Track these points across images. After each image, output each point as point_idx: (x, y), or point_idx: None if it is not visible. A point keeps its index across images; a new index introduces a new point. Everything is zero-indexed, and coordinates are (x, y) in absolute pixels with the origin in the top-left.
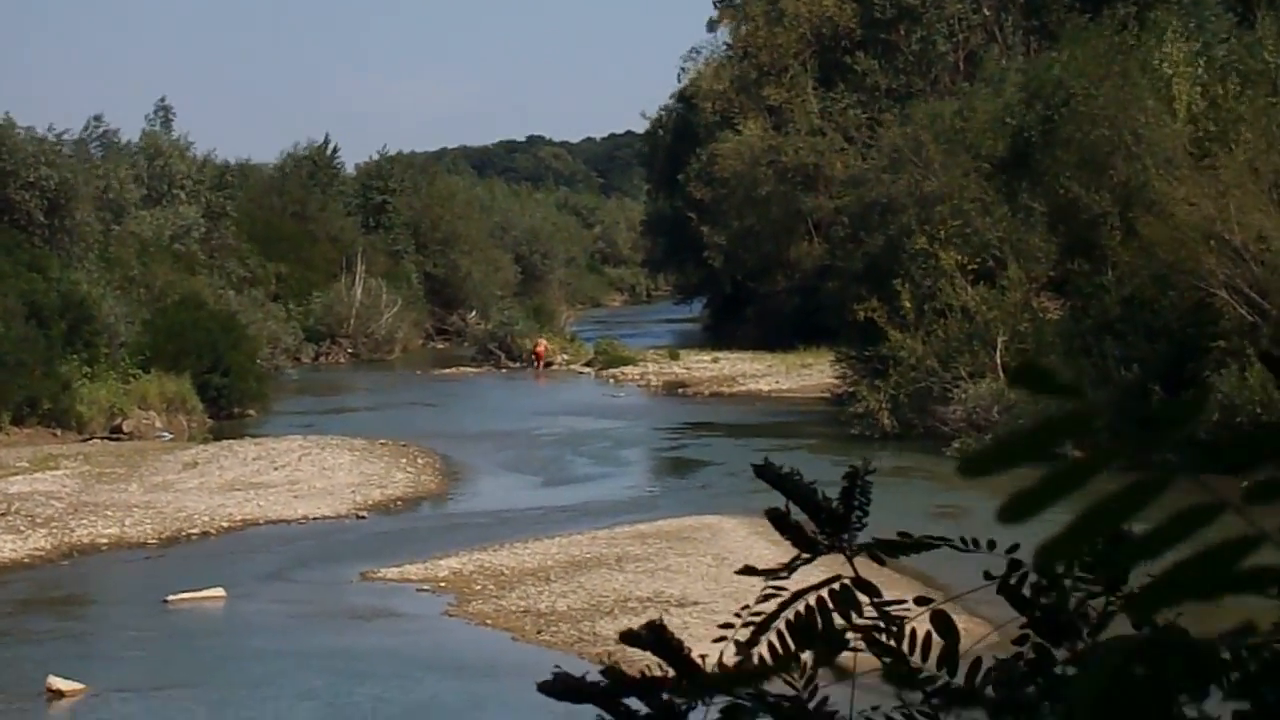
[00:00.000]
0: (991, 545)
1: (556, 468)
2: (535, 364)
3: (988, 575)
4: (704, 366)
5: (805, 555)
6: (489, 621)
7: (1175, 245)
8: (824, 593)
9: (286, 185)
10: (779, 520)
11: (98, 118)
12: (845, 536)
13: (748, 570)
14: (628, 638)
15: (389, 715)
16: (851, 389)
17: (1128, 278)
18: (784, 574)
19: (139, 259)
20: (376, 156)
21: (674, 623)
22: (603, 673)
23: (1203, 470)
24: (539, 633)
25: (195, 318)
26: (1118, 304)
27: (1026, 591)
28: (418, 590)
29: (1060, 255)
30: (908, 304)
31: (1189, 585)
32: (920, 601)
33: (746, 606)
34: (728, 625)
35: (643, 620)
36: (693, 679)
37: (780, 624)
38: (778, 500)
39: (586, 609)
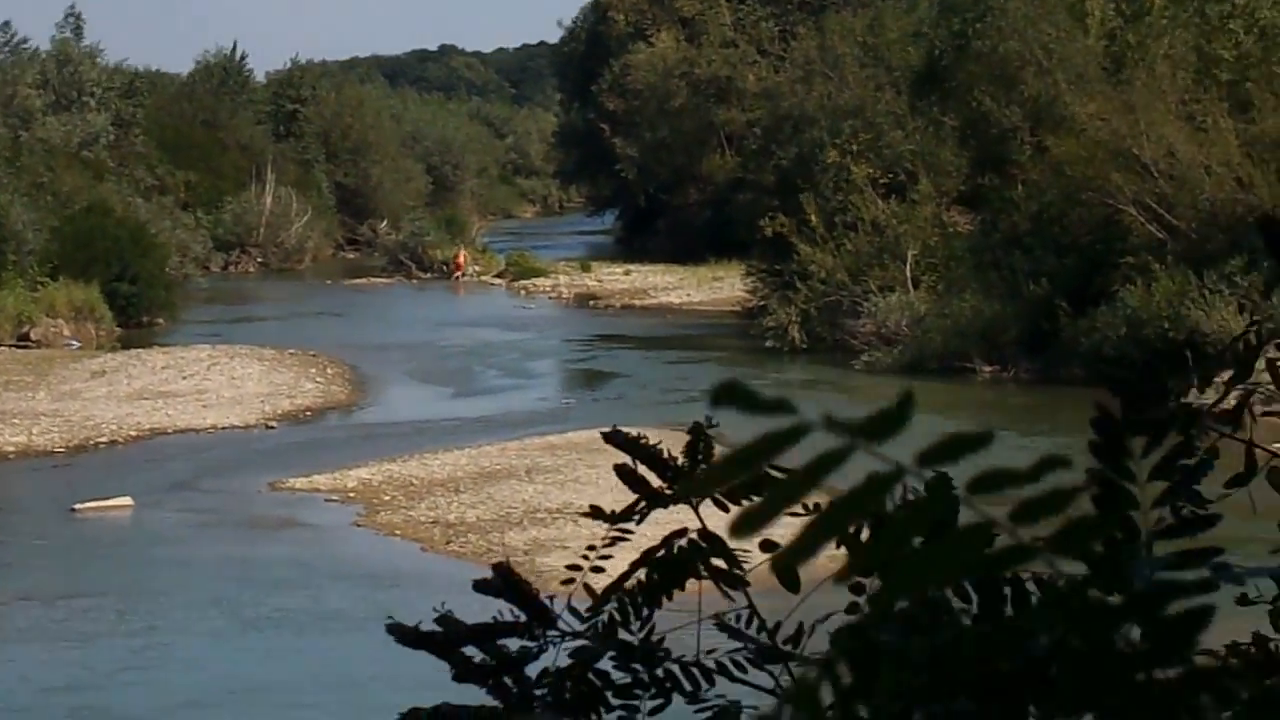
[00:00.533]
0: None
1: (467, 379)
2: (455, 275)
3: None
4: (616, 279)
5: (645, 504)
6: (398, 532)
7: (1085, 161)
8: (674, 546)
9: (196, 93)
10: (626, 476)
11: (6, 24)
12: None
13: (594, 513)
14: (480, 586)
15: (295, 624)
16: (762, 302)
17: (1037, 193)
18: (631, 519)
19: (46, 166)
20: (288, 65)
21: (583, 534)
22: (437, 620)
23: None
24: (448, 543)
25: (103, 225)
26: (1027, 219)
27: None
28: (326, 500)
29: (971, 170)
30: (815, 218)
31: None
32: (765, 547)
33: (593, 548)
34: (575, 567)
35: (551, 531)
36: (546, 625)
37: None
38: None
39: (496, 520)
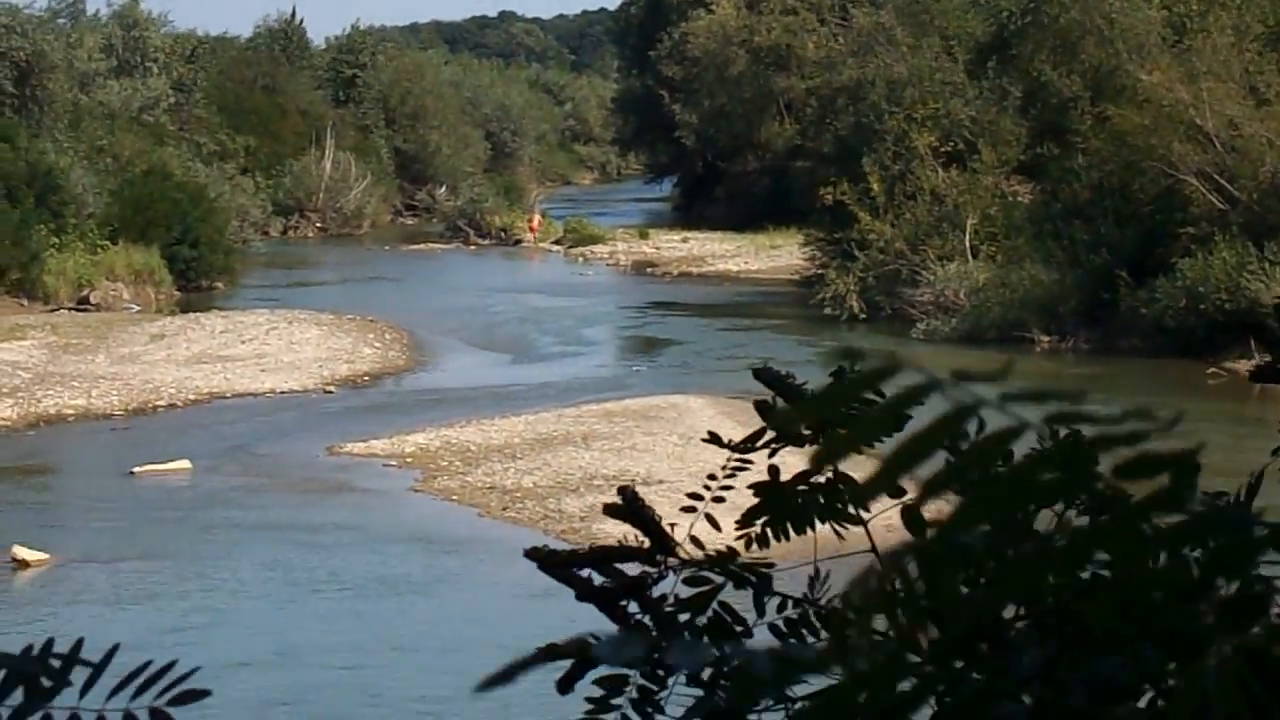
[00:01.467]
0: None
1: (524, 345)
2: (530, 237)
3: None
4: (673, 246)
5: (770, 433)
6: (455, 497)
7: (1146, 130)
8: (807, 485)
9: (256, 58)
10: (767, 412)
11: None
12: (829, 430)
13: (712, 439)
14: (609, 510)
15: (352, 587)
16: (820, 271)
17: (1098, 163)
18: (747, 447)
19: (107, 130)
20: (348, 30)
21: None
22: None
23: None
24: (504, 509)
25: (163, 189)
26: (1087, 189)
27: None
28: (384, 465)
29: (1031, 139)
30: (876, 186)
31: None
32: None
33: (714, 478)
34: (696, 496)
35: (608, 498)
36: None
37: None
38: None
39: (552, 486)
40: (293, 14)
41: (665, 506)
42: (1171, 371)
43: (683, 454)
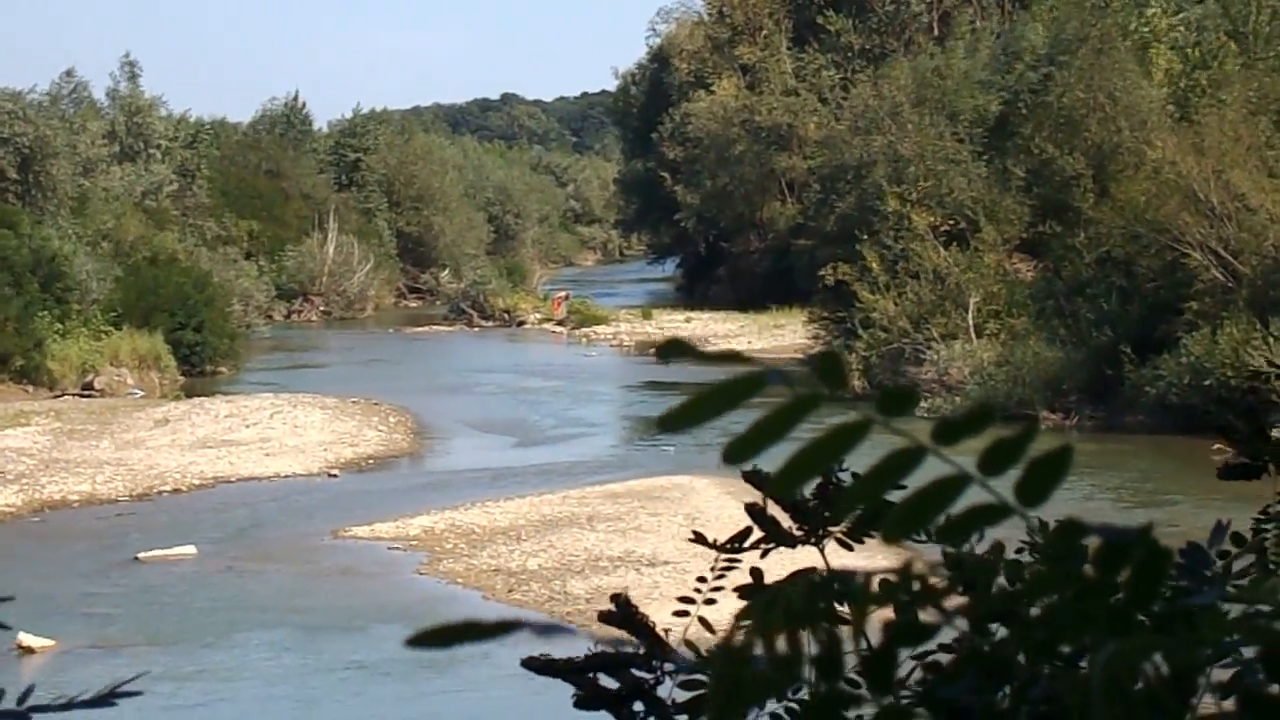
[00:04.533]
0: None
1: (528, 427)
2: (554, 321)
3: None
4: (677, 326)
5: (757, 531)
6: (460, 580)
7: (1151, 203)
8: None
9: (259, 143)
10: (757, 515)
11: (69, 73)
12: (819, 531)
13: (698, 540)
14: (604, 618)
15: (358, 671)
16: (824, 349)
17: (1101, 239)
18: (732, 549)
19: (111, 215)
20: (350, 114)
21: (645, 582)
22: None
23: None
24: (510, 591)
25: (167, 274)
26: (1091, 265)
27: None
28: (389, 548)
29: (1033, 217)
30: (875, 266)
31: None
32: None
33: (704, 579)
34: (688, 600)
35: (613, 580)
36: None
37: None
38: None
39: (558, 568)
40: (295, 98)
41: (671, 587)
42: (1176, 448)
43: (687, 534)
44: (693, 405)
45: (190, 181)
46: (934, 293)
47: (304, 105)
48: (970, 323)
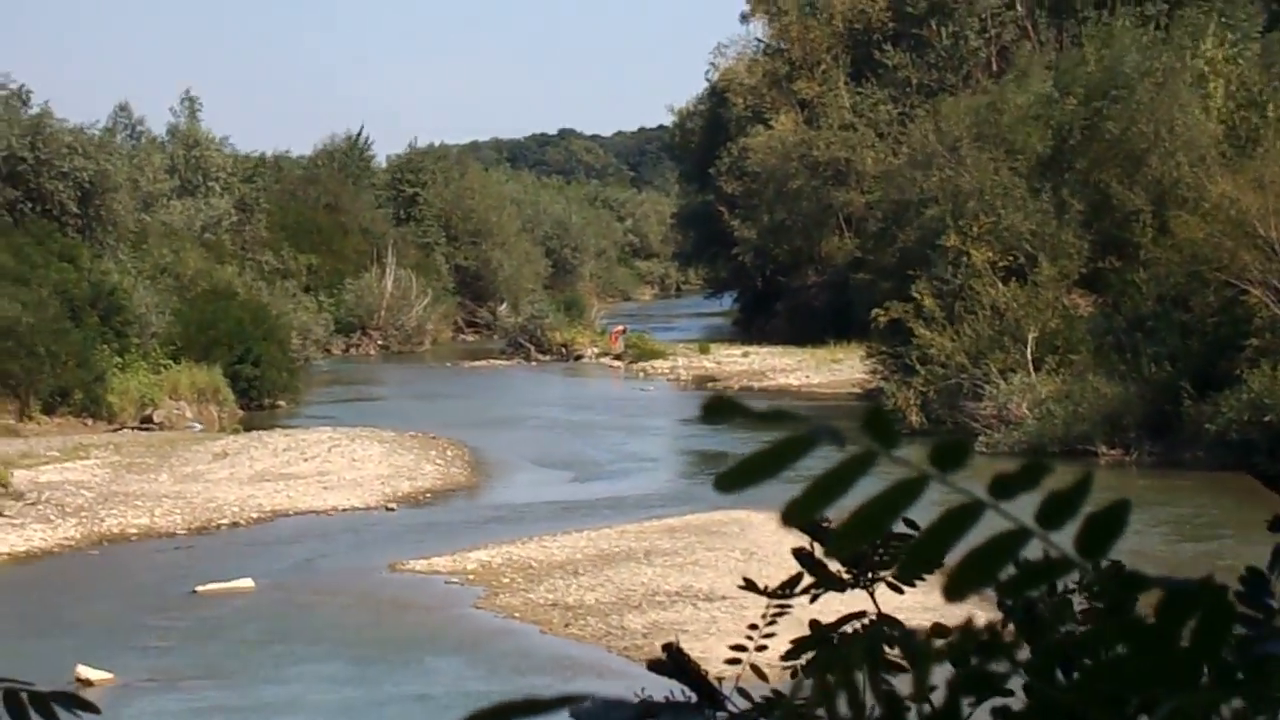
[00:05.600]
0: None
1: (585, 461)
2: (611, 355)
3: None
4: (734, 361)
5: (809, 578)
6: (517, 614)
7: (1210, 241)
8: (849, 629)
9: (318, 177)
10: (806, 560)
11: (123, 107)
12: (868, 575)
13: (748, 586)
14: (655, 667)
15: (415, 705)
16: (882, 384)
17: (1161, 275)
18: (782, 594)
19: (170, 249)
20: (408, 149)
21: (702, 617)
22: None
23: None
24: (567, 626)
25: (226, 308)
26: (1150, 301)
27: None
28: (446, 582)
29: (1092, 252)
30: (929, 303)
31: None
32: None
33: (755, 627)
34: (739, 648)
35: (671, 615)
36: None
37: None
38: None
39: (614, 602)
40: (359, 132)
41: (728, 622)
42: (1235, 485)
43: (745, 569)
44: (748, 466)
45: (250, 215)
46: (992, 328)
47: (368, 139)
48: (1029, 358)
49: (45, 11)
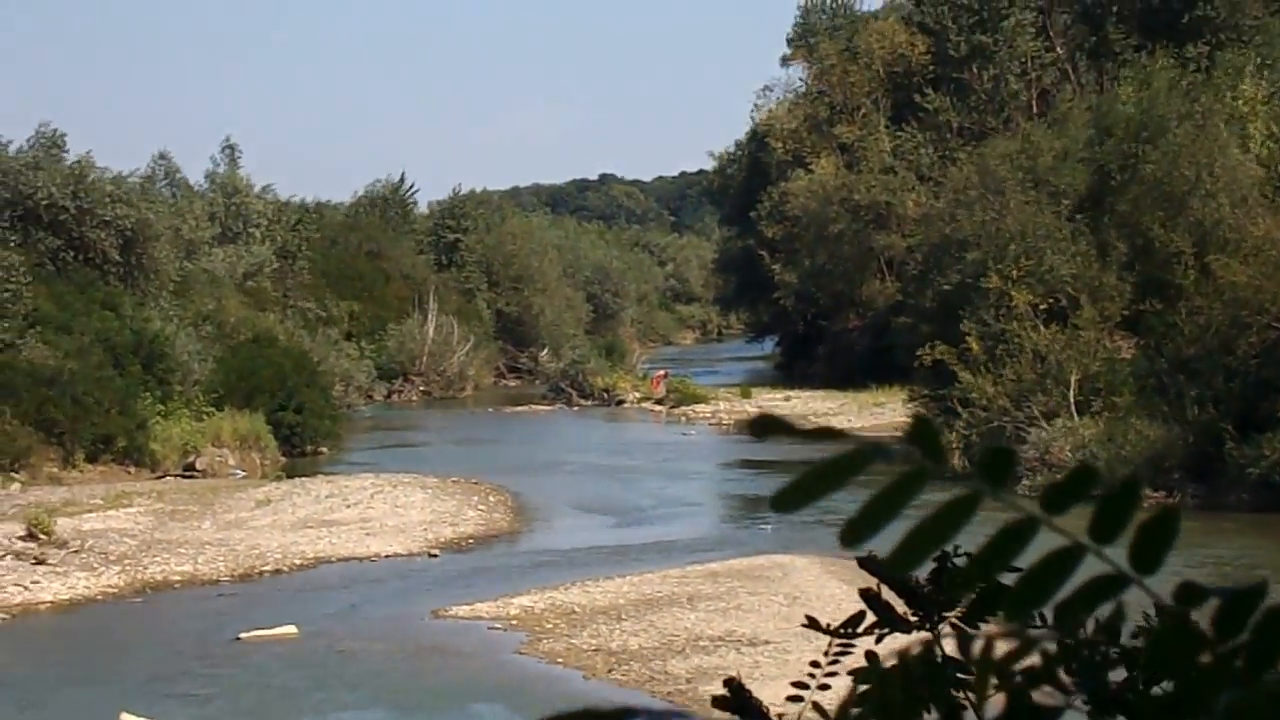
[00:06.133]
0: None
1: (628, 506)
2: (653, 400)
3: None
4: (776, 405)
5: (872, 616)
6: (560, 660)
7: (1252, 284)
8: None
9: (360, 224)
10: (872, 600)
11: (163, 155)
12: (934, 616)
13: (811, 624)
14: (718, 703)
15: None
16: (915, 415)
17: (1202, 317)
18: (845, 633)
19: (212, 297)
20: (449, 195)
21: (746, 662)
22: None
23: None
24: (610, 671)
25: (268, 355)
26: (1192, 343)
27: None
28: (489, 628)
29: (1133, 294)
30: (975, 346)
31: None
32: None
33: (817, 664)
34: (801, 685)
35: (714, 660)
36: None
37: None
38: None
39: (658, 647)
40: (401, 180)
41: (772, 667)
42: (1278, 526)
43: (789, 614)
44: (803, 484)
45: (291, 262)
46: (1034, 371)
47: (412, 186)
48: (1071, 401)
49: (86, 60)
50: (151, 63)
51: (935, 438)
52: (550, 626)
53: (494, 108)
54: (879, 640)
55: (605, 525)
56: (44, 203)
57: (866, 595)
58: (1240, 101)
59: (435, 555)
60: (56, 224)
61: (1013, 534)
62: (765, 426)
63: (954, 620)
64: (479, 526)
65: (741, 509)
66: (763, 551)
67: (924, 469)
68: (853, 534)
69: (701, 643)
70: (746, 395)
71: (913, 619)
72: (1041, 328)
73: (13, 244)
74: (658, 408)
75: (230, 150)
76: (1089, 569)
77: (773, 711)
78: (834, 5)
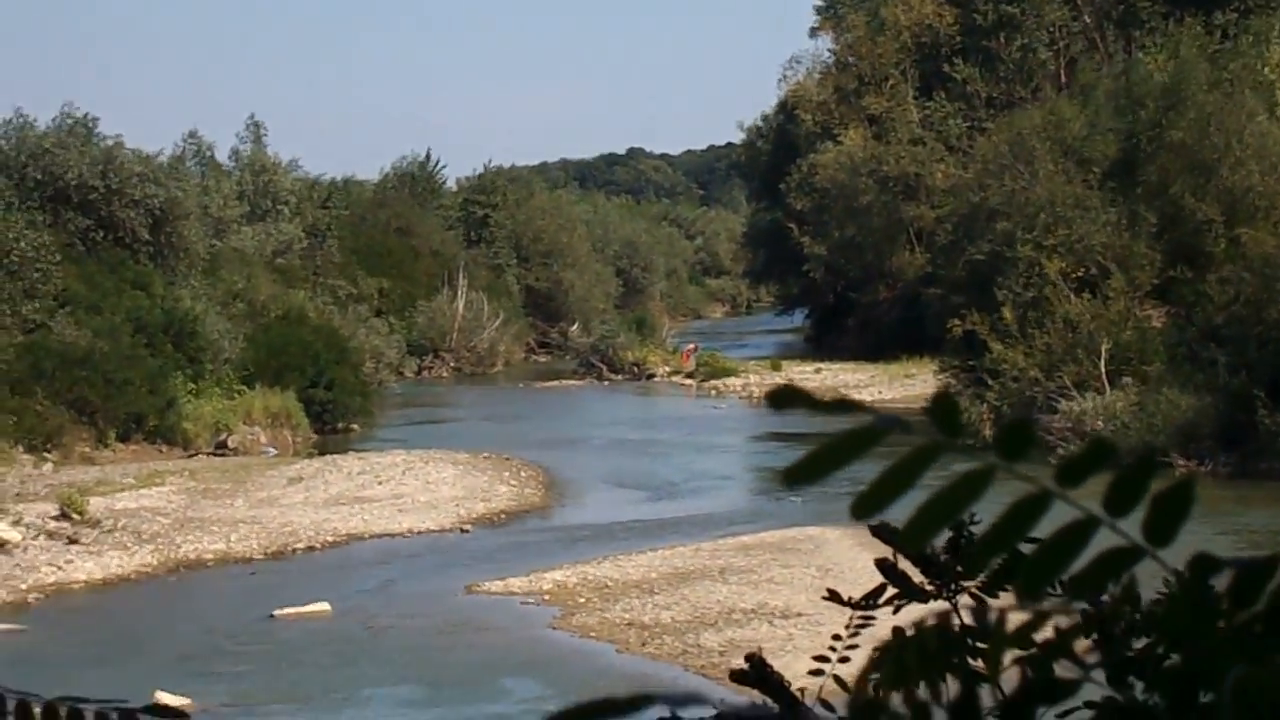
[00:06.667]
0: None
1: (658, 480)
2: (683, 374)
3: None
4: (806, 377)
5: (892, 588)
6: (593, 634)
7: None
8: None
9: (388, 201)
10: (888, 570)
11: (193, 133)
12: (951, 585)
13: (832, 597)
14: (737, 678)
15: None
16: (937, 393)
17: (1233, 284)
18: (866, 605)
19: (241, 275)
20: (478, 170)
21: (778, 634)
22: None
23: None
24: (643, 645)
25: (298, 333)
26: (1222, 310)
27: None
28: (522, 603)
29: (1164, 262)
30: (1009, 315)
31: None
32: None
33: (839, 638)
34: (822, 658)
35: (747, 632)
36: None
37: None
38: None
39: (690, 621)
40: (427, 156)
41: (805, 640)
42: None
43: (820, 586)
44: (815, 459)
45: (321, 240)
46: (1065, 341)
47: (438, 162)
48: (1103, 370)
49: (115, 40)
50: (177, 41)
51: (956, 414)
52: (583, 601)
53: (521, 83)
54: (897, 611)
55: (636, 499)
56: (73, 182)
57: (883, 565)
58: (1268, 69)
59: (467, 531)
60: (86, 204)
61: (1027, 507)
62: (784, 399)
63: (972, 590)
64: (511, 502)
65: (772, 482)
66: (794, 524)
67: (937, 444)
68: (863, 507)
69: (734, 616)
70: (776, 368)
71: (930, 588)
72: (1073, 296)
73: (43, 224)
74: (688, 382)
75: (255, 128)
76: (1107, 541)
77: (794, 685)
78: None
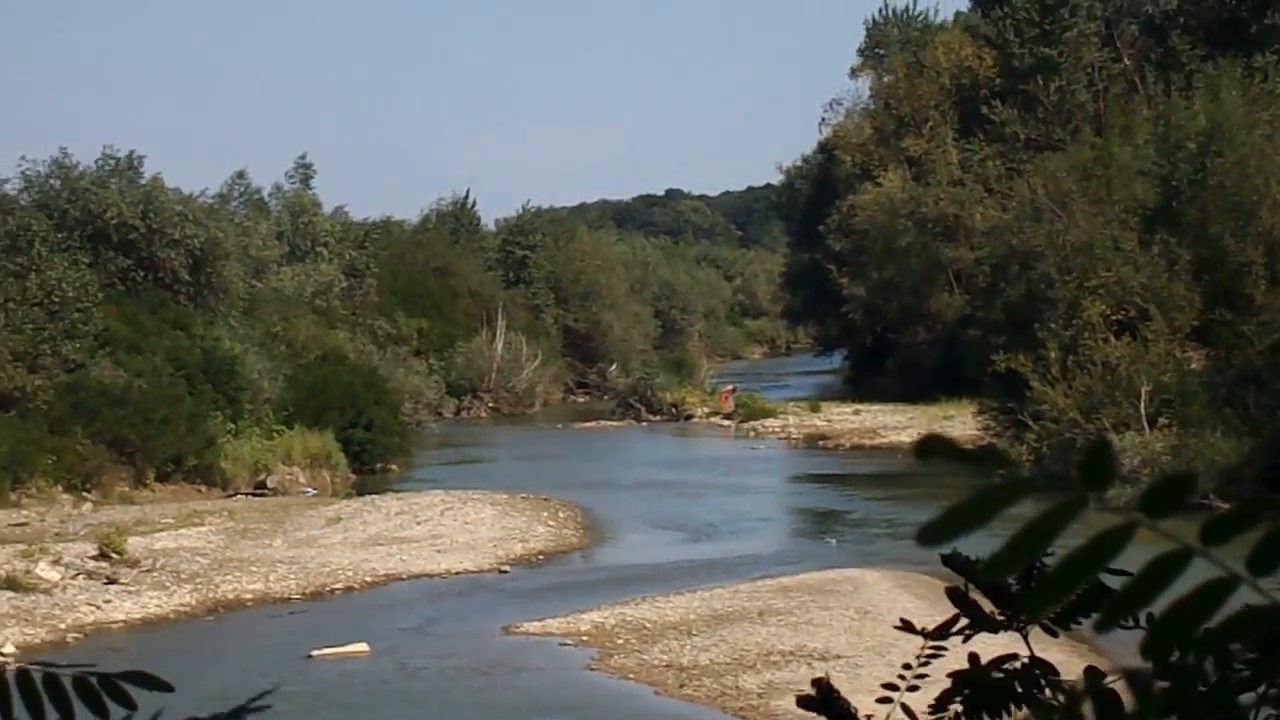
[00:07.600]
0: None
1: (697, 521)
2: (722, 415)
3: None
4: (845, 419)
5: (964, 620)
6: (631, 675)
7: None
8: (1003, 670)
9: (427, 241)
10: (959, 600)
11: (241, 174)
12: (1022, 617)
13: (905, 626)
14: (804, 703)
15: None
16: (994, 440)
17: (1272, 326)
18: (940, 635)
19: (281, 315)
20: (517, 211)
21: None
22: None
23: None
24: (681, 686)
25: (337, 373)
26: (1262, 354)
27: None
28: (560, 644)
29: (1203, 304)
30: (1053, 355)
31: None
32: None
33: (909, 666)
34: (891, 686)
35: (786, 674)
36: None
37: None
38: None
39: (729, 662)
40: (466, 196)
41: (843, 681)
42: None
43: (860, 628)
44: (953, 516)
45: (360, 280)
46: (1104, 382)
47: (475, 203)
48: (1143, 413)
49: (165, 81)
50: (231, 81)
51: (1109, 470)
52: (621, 642)
53: (560, 123)
54: (966, 640)
55: (675, 540)
56: (114, 222)
57: (954, 594)
58: None
59: (505, 571)
60: (126, 243)
61: (1104, 544)
62: (931, 449)
63: (1043, 622)
64: (549, 542)
65: (811, 523)
66: (833, 566)
67: (1019, 483)
68: (931, 534)
69: (773, 658)
70: (815, 409)
71: (1000, 618)
72: (1112, 338)
73: (84, 264)
74: (726, 423)
75: (304, 169)
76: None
77: (861, 714)
78: (905, 17)
